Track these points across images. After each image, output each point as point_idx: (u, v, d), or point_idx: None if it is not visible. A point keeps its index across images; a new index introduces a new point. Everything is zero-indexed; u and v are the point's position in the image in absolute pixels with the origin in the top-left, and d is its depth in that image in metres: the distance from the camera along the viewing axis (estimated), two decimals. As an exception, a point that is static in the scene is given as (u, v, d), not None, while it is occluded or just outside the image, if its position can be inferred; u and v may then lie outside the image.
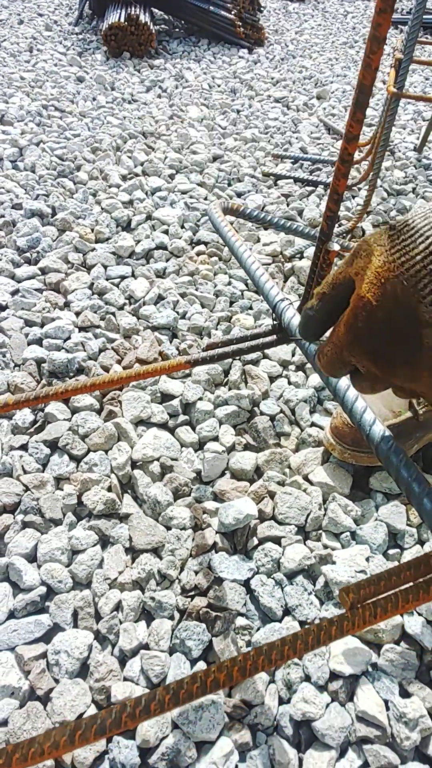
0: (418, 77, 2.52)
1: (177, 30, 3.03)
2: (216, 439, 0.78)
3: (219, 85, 2.27)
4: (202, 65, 2.51)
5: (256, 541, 0.66)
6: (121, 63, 2.45)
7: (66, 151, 1.53)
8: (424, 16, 3.24)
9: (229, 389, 0.86)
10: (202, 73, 2.40)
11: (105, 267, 1.11)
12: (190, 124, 1.83)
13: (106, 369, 0.88)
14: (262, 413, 0.82)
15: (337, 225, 1.31)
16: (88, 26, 2.98)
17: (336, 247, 0.44)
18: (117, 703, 0.51)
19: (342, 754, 0.52)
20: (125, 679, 0.55)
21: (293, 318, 0.48)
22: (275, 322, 0.57)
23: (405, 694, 0.55)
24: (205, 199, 1.38)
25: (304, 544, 0.67)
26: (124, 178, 1.45)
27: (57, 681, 0.54)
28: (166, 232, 1.23)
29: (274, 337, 0.60)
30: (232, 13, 2.77)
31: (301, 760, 0.51)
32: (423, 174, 1.55)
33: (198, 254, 1.17)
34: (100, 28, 2.58)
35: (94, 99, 2.01)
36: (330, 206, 0.41)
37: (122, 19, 2.42)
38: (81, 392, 0.56)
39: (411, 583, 0.38)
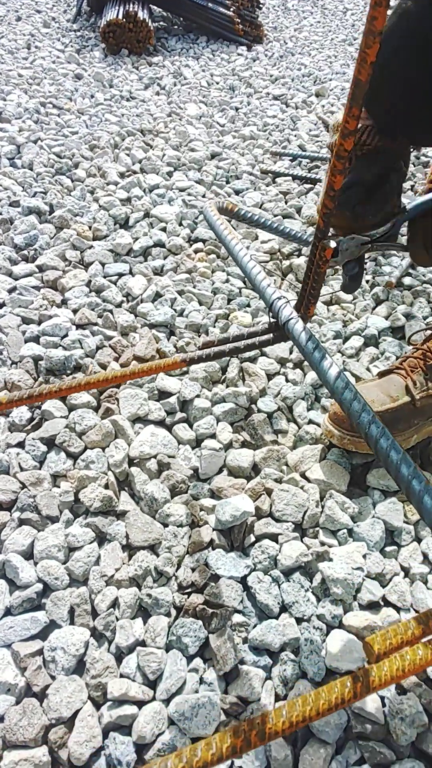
0: (417, 75, 2.51)
1: (175, 27, 3.02)
2: (213, 436, 0.78)
3: (217, 83, 2.27)
4: (201, 62, 2.50)
5: (253, 539, 0.66)
6: (120, 60, 2.44)
7: (64, 149, 1.53)
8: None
9: (227, 387, 0.86)
10: (201, 71, 2.40)
11: (103, 264, 1.11)
12: (188, 121, 1.82)
13: (104, 366, 0.88)
14: (259, 410, 0.82)
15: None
16: (87, 23, 2.97)
17: (333, 245, 0.44)
18: (112, 700, 0.51)
19: (338, 750, 0.52)
20: (122, 675, 0.55)
21: (290, 316, 0.48)
22: (272, 321, 0.57)
23: (402, 690, 0.55)
24: (203, 196, 1.38)
25: (301, 541, 0.67)
26: (122, 175, 1.44)
27: (53, 678, 0.54)
28: (164, 229, 1.23)
29: (271, 335, 0.60)
30: (231, 10, 2.76)
31: (297, 757, 0.51)
32: (421, 171, 1.54)
33: (196, 252, 1.17)
34: (99, 25, 2.58)
35: (92, 96, 2.01)
36: (326, 203, 0.40)
37: (120, 16, 2.41)
38: (76, 391, 0.56)
39: None
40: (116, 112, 1.87)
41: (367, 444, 0.42)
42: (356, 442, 0.72)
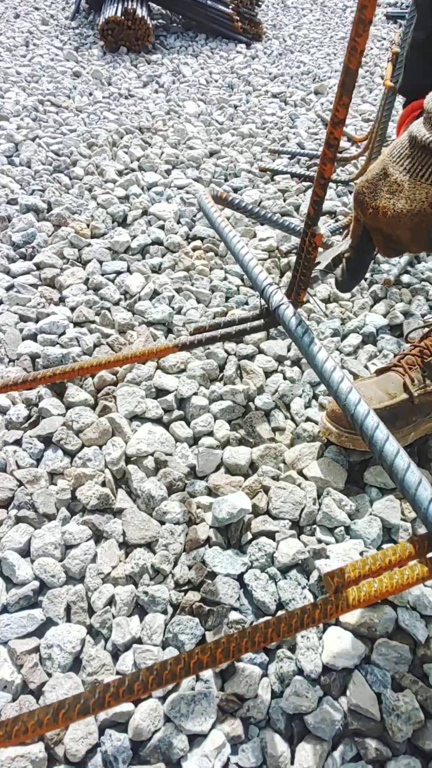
0: (416, 72, 2.51)
1: (174, 25, 3.02)
2: (211, 434, 0.78)
3: (216, 81, 2.26)
4: (200, 60, 2.50)
5: (249, 536, 0.66)
6: (118, 58, 2.44)
7: (62, 147, 1.53)
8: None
9: (224, 384, 0.85)
10: (200, 68, 2.39)
11: (100, 262, 1.11)
12: (186, 119, 1.82)
13: (101, 364, 0.88)
14: (257, 408, 0.82)
15: (333, 220, 1.31)
16: (85, 21, 2.96)
17: (322, 231, 0.44)
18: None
19: (334, 747, 0.52)
20: (118, 673, 0.55)
21: (281, 302, 0.48)
22: (263, 307, 0.57)
23: (398, 687, 0.55)
24: (202, 194, 1.37)
25: (298, 538, 0.67)
26: (120, 173, 1.44)
27: (49, 675, 0.54)
28: (162, 227, 1.23)
29: (262, 321, 0.60)
30: (230, 7, 2.76)
31: (293, 753, 0.51)
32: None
33: (194, 249, 1.17)
34: (97, 23, 2.57)
35: (90, 94, 2.00)
36: (316, 191, 0.40)
37: (119, 14, 2.40)
38: (69, 375, 0.56)
39: (396, 568, 0.38)
40: (115, 110, 1.86)
41: (362, 437, 0.42)
42: (354, 439, 0.72)
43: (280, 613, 0.60)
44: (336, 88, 2.17)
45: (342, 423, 0.72)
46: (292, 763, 0.50)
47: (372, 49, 2.84)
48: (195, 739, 0.51)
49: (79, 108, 1.85)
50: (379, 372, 0.79)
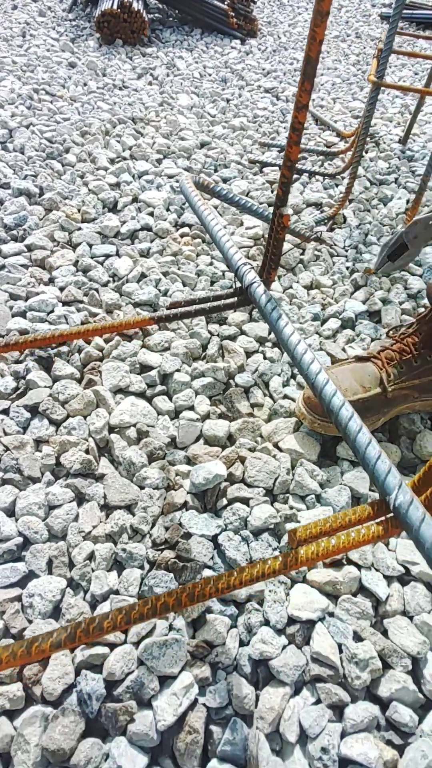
0: (407, 72, 2.55)
1: (170, 19, 3.04)
2: (192, 408, 0.81)
3: (210, 75, 2.29)
4: (194, 54, 2.52)
5: (225, 502, 0.70)
6: (114, 50, 2.46)
7: (55, 134, 1.55)
8: (420, 12, 3.27)
9: (207, 362, 0.89)
10: (194, 62, 2.42)
11: (90, 246, 1.13)
12: (179, 111, 1.85)
13: (87, 342, 0.91)
14: (237, 385, 0.85)
15: (319, 211, 1.35)
16: (82, 13, 2.97)
17: (289, 212, 0.47)
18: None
19: (297, 692, 0.56)
20: (95, 621, 0.58)
21: (253, 280, 0.52)
22: (237, 285, 0.60)
23: (358, 638, 0.59)
24: (192, 183, 1.40)
25: (272, 505, 0.70)
26: (112, 161, 1.47)
27: (30, 621, 0.57)
28: (151, 214, 1.25)
29: (236, 299, 0.63)
30: (226, 3, 2.78)
31: (257, 697, 0.54)
32: (406, 165, 1.58)
33: (182, 236, 1.20)
34: (94, 15, 2.59)
35: (85, 84, 2.02)
36: (284, 172, 0.44)
37: (115, 7, 2.42)
38: (49, 342, 0.59)
39: (354, 528, 0.42)
40: (108, 100, 1.88)
41: (329, 415, 0.45)
42: (325, 426, 0.75)
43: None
44: (327, 84, 2.19)
45: (316, 411, 0.75)
46: (256, 705, 0.54)
47: (365, 48, 2.88)
48: (166, 680, 0.54)
49: (74, 97, 1.87)
50: (359, 359, 0.81)
